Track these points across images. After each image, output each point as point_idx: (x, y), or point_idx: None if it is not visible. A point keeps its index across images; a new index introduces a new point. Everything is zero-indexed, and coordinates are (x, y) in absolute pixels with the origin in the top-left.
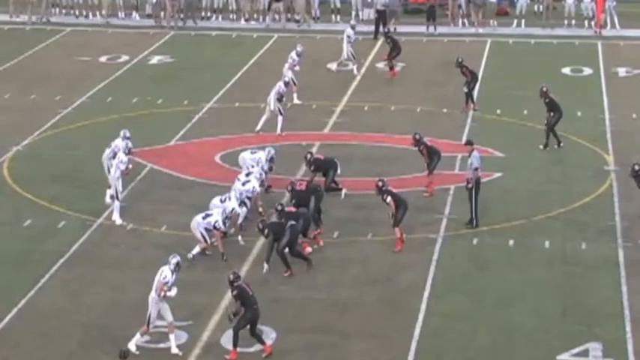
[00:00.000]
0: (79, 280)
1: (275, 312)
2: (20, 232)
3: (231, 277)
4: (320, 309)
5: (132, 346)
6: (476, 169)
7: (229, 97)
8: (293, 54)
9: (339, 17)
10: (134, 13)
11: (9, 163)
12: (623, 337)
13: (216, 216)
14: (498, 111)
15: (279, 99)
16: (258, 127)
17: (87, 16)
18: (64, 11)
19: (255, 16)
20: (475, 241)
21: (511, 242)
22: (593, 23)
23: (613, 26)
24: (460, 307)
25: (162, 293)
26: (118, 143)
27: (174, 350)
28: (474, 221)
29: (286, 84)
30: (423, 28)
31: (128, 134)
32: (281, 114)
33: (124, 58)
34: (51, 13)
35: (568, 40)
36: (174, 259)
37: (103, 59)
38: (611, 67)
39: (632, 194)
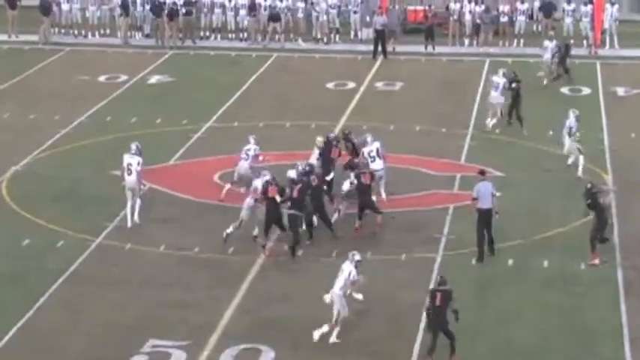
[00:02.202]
0: (78, 299)
1: (275, 330)
2: (19, 252)
3: None
4: (319, 328)
5: (316, 335)
6: (474, 198)
7: (228, 116)
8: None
9: (337, 37)
10: (136, 34)
11: (8, 182)
12: (622, 356)
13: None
14: (497, 130)
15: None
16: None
17: (86, 36)
18: (62, 31)
19: (255, 36)
20: (474, 260)
21: (510, 262)
22: (589, 43)
23: (612, 45)
24: (459, 326)
25: (349, 291)
26: (129, 160)
27: (333, 339)
28: (481, 256)
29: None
30: (422, 48)
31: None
32: None
33: (123, 77)
34: (51, 33)
35: (567, 60)
36: (356, 256)
37: (102, 79)
38: (610, 87)
39: (632, 214)
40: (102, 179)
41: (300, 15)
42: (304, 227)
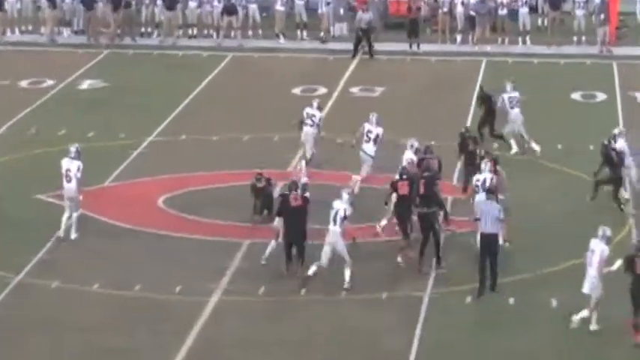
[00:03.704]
0: None
1: None
2: None
3: None
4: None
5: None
6: (477, 219)
7: (175, 128)
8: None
9: (305, 33)
10: (64, 30)
11: None
12: None
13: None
14: (496, 144)
15: None
16: None
17: (4, 33)
18: None
19: (206, 31)
20: (469, 299)
21: (511, 300)
22: (604, 39)
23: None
24: None
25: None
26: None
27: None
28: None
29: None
30: (406, 46)
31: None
32: None
33: (49, 82)
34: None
35: (578, 60)
36: (607, 232)
37: (23, 84)
38: (629, 92)
39: None
40: (24, 203)
41: (281, 8)
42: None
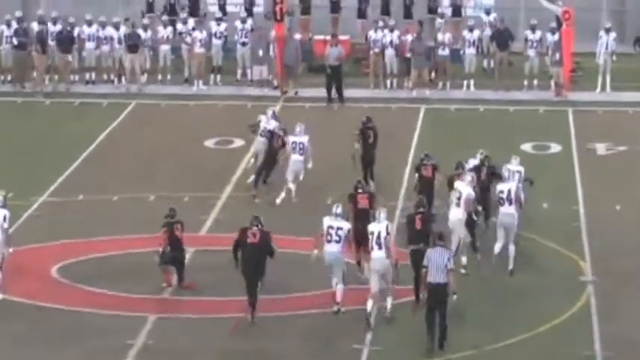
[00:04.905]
0: None
1: None
2: None
3: None
4: None
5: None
6: (424, 266)
7: (70, 187)
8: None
9: (219, 78)
10: None
11: None
12: None
13: None
14: (437, 202)
15: None
16: None
17: None
18: None
19: (105, 75)
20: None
21: None
22: (558, 82)
23: (604, 88)
24: None
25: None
26: None
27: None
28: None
29: None
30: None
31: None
32: None
33: None
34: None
35: (529, 107)
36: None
37: None
38: (587, 143)
39: (616, 312)
40: None
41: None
42: None
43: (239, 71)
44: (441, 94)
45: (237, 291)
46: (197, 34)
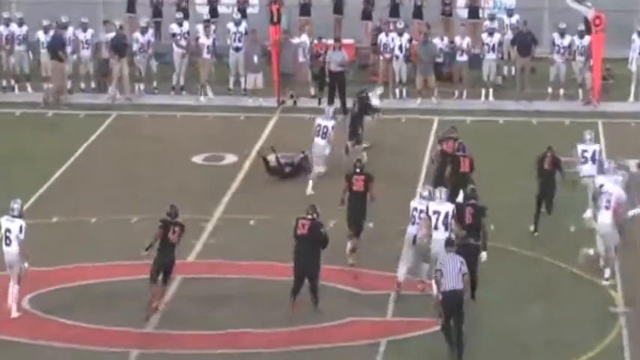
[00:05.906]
0: None
1: None
2: None
3: None
4: None
5: None
6: (438, 270)
7: (44, 208)
8: None
9: (208, 88)
10: None
11: None
12: None
13: None
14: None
15: None
16: None
17: None
18: None
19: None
20: None
21: None
22: (586, 91)
23: (637, 97)
24: None
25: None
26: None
27: None
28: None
29: None
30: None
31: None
32: None
33: None
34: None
35: (555, 119)
36: None
37: None
38: (618, 159)
39: None
40: None
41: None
42: None
43: (231, 79)
44: (457, 104)
45: (228, 324)
46: (204, 39)
